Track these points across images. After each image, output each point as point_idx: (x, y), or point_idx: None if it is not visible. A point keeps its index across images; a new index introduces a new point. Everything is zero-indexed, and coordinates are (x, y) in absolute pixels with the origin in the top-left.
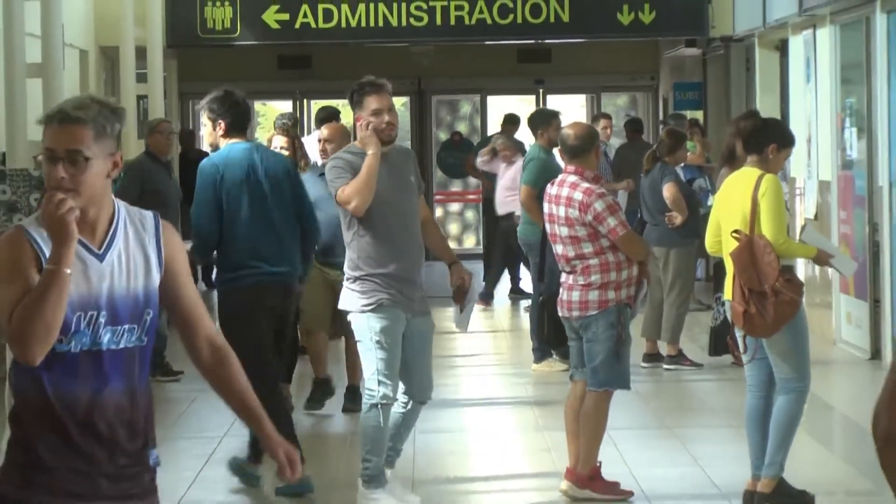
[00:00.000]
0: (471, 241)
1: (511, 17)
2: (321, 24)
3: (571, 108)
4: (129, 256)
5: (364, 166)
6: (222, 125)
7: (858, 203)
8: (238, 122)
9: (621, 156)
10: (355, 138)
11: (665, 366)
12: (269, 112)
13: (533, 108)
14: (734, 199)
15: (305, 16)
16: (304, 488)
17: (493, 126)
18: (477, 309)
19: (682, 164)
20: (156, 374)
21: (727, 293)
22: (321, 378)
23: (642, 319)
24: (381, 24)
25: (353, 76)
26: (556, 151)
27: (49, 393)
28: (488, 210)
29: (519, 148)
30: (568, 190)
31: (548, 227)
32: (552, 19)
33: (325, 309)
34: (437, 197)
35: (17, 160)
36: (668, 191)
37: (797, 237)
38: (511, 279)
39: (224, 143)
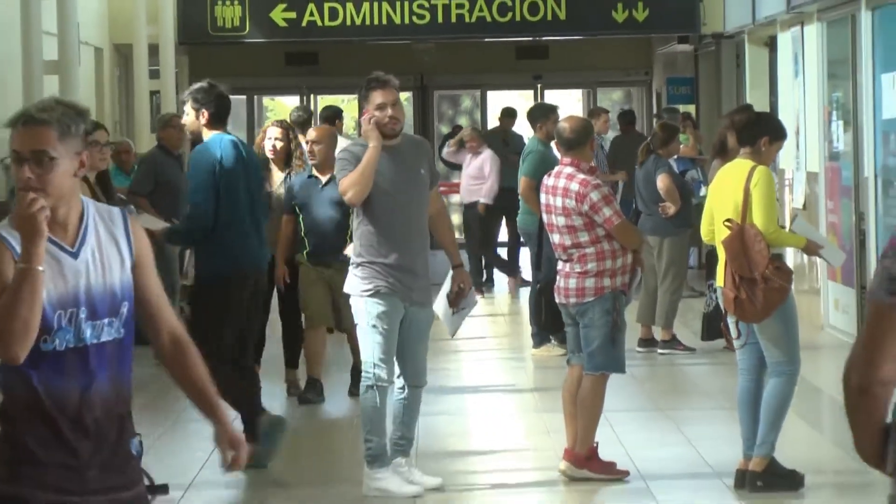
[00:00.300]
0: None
1: (510, 15)
2: (327, 22)
3: (568, 103)
4: (103, 252)
5: (363, 159)
6: (205, 115)
7: (845, 193)
8: (221, 113)
9: (616, 147)
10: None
11: (659, 350)
12: (278, 107)
13: (531, 103)
14: (727, 190)
15: (312, 14)
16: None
17: (493, 119)
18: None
19: (676, 157)
20: None
21: (719, 280)
22: (314, 378)
23: (637, 306)
24: (384, 21)
25: (357, 72)
26: (553, 144)
27: (39, 391)
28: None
29: (486, 139)
30: (565, 181)
31: (545, 217)
32: (549, 17)
33: (326, 305)
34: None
35: None
36: (661, 182)
37: (787, 227)
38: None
39: (207, 133)
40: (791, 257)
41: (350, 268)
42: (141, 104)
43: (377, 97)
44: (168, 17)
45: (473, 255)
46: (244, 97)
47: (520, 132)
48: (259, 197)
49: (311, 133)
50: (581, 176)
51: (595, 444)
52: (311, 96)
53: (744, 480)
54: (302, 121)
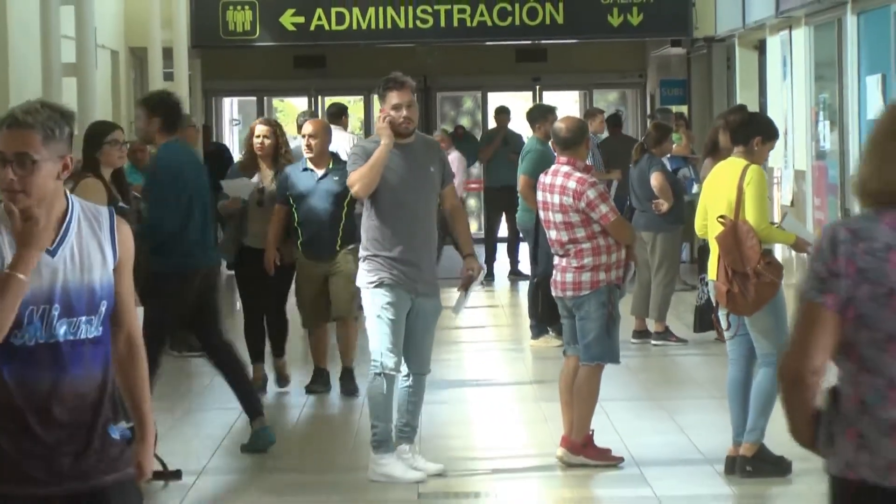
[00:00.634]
0: (473, 227)
1: (510, 19)
2: (334, 27)
3: (566, 104)
4: (83, 250)
5: (374, 155)
6: (158, 122)
7: (831, 191)
8: (173, 120)
9: (604, 148)
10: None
11: (653, 342)
12: (287, 108)
13: (530, 104)
14: (721, 187)
15: (320, 18)
16: (263, 444)
17: (493, 120)
18: (477, 290)
19: (669, 155)
20: (182, 351)
21: (711, 274)
22: (320, 367)
23: (631, 299)
24: (389, 26)
25: (363, 74)
26: (550, 143)
27: (10, 385)
28: (488, 198)
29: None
30: (562, 179)
31: (541, 213)
32: (548, 21)
33: (321, 302)
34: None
35: None
36: (655, 180)
37: (777, 224)
38: (510, 262)
39: (159, 140)
40: (779, 253)
41: (360, 261)
42: None
43: (393, 97)
44: (181, 21)
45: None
46: (254, 98)
47: (518, 132)
48: (207, 199)
49: (308, 127)
50: (578, 174)
51: (591, 432)
52: (319, 98)
53: (734, 466)
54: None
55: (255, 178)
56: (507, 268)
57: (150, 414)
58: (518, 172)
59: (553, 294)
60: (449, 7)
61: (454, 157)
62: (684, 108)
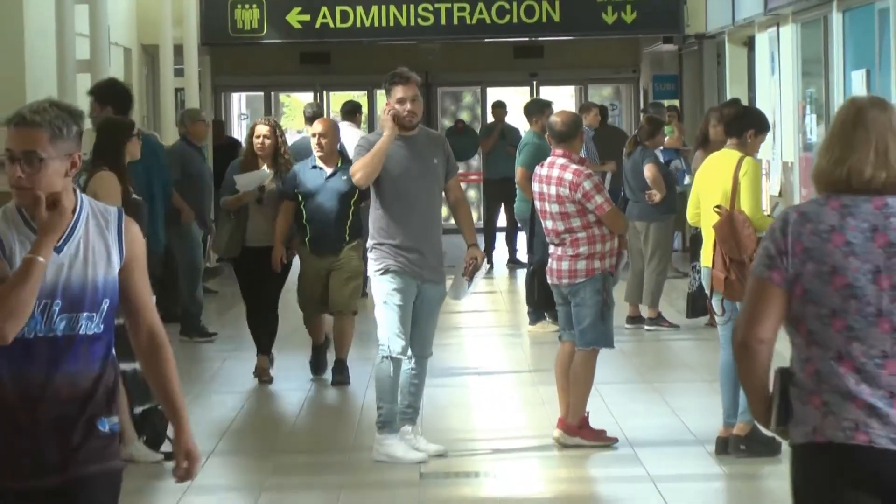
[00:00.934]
0: (473, 217)
1: (508, 17)
2: (339, 24)
3: (562, 99)
4: (89, 248)
5: (375, 145)
6: (110, 110)
7: None
8: (126, 108)
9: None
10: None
11: (646, 327)
12: (293, 103)
13: (527, 99)
14: (715, 177)
15: (325, 17)
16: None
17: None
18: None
19: (661, 148)
20: (193, 336)
21: (707, 261)
22: (319, 343)
23: (625, 286)
24: (392, 23)
25: (367, 70)
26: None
27: (4, 377)
28: (487, 189)
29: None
30: (558, 171)
31: (537, 204)
32: (544, 19)
33: (321, 299)
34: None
35: None
36: (648, 171)
37: (768, 213)
38: (509, 250)
39: None
40: None
41: (367, 251)
42: (166, 100)
43: (398, 92)
44: (192, 19)
45: None
46: (262, 94)
47: (516, 126)
48: (162, 186)
49: (318, 126)
50: (574, 166)
51: (586, 414)
52: (324, 93)
53: (724, 447)
54: (314, 114)
55: (265, 169)
56: (506, 256)
57: (181, 404)
58: (516, 164)
59: (549, 281)
60: (449, 5)
61: None
62: (676, 103)
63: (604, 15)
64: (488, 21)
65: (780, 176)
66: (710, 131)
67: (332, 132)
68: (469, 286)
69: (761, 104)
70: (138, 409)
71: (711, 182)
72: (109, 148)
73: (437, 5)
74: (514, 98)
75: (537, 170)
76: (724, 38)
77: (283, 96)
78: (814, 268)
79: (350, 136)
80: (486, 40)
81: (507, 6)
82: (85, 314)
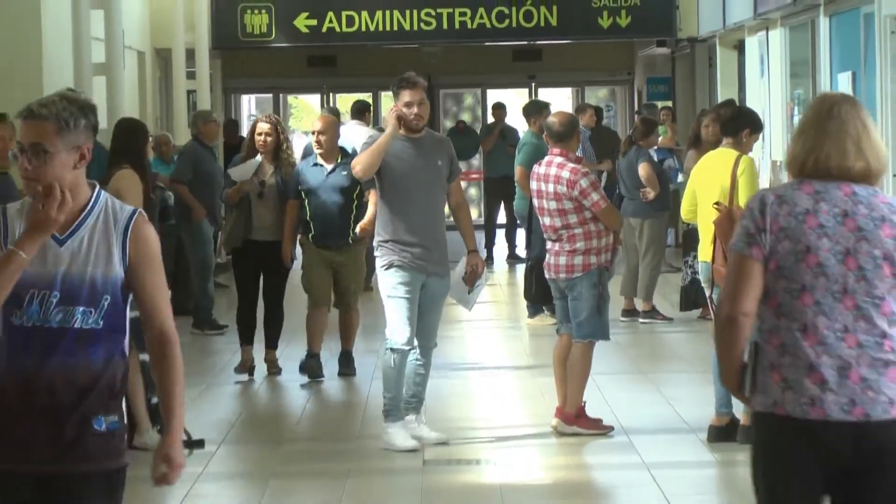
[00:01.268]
0: (473, 214)
1: (507, 21)
2: (345, 29)
3: (559, 100)
4: (93, 244)
5: (377, 141)
6: None
7: None
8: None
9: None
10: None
11: (640, 320)
12: (301, 104)
13: (526, 100)
14: (713, 175)
15: (331, 21)
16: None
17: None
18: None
19: (655, 147)
20: (204, 329)
21: (705, 256)
22: (314, 353)
23: (620, 280)
24: (395, 28)
25: (372, 73)
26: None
27: (3, 363)
28: (488, 187)
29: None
30: (556, 169)
31: (535, 201)
32: (542, 24)
33: (327, 286)
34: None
35: None
36: (642, 170)
37: None
38: (508, 246)
39: None
40: None
41: (374, 252)
42: (179, 102)
43: (406, 95)
44: (203, 24)
45: None
46: (271, 95)
47: (515, 126)
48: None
49: (317, 124)
50: (570, 165)
51: (583, 404)
52: (331, 95)
53: (716, 435)
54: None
55: (258, 157)
56: (506, 252)
57: (177, 408)
58: (515, 163)
59: (546, 276)
60: (451, 10)
61: None
62: (669, 104)
63: (599, 19)
64: (488, 25)
65: (770, 174)
66: (702, 132)
67: (330, 130)
68: (473, 295)
69: (751, 105)
70: (155, 399)
71: (709, 180)
72: (129, 147)
73: (439, 10)
74: (514, 99)
75: (536, 168)
76: (715, 41)
77: (290, 98)
78: (789, 246)
79: (359, 134)
80: (487, 44)
81: (507, 11)
82: (81, 308)
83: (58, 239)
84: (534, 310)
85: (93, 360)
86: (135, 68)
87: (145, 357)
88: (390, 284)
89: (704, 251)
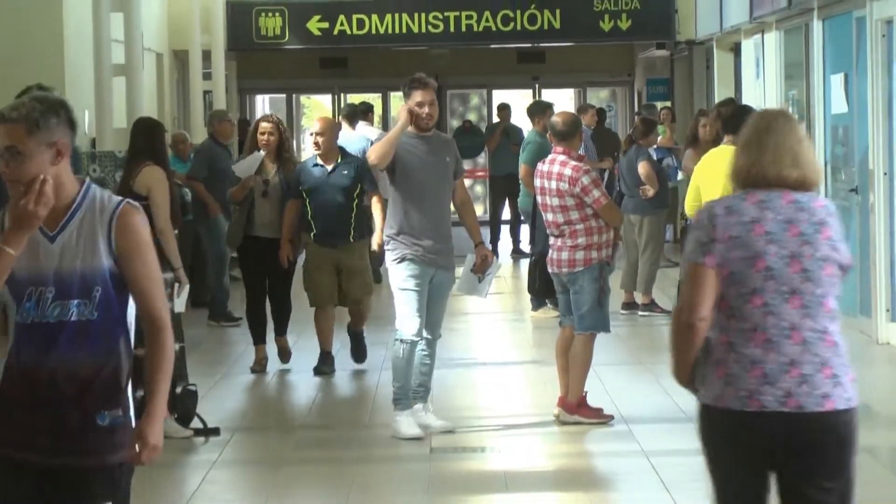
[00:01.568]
0: (479, 210)
1: (512, 24)
2: (355, 31)
3: (562, 100)
4: (81, 239)
5: (390, 132)
6: None
7: None
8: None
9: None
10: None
11: (640, 313)
12: (313, 104)
13: (530, 101)
14: (715, 172)
15: (342, 24)
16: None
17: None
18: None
19: (654, 146)
20: (220, 321)
21: None
22: (326, 351)
23: (620, 274)
24: (404, 31)
25: (381, 74)
26: (548, 135)
27: (13, 356)
28: (493, 185)
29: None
30: (559, 167)
31: (539, 198)
32: (546, 27)
33: (332, 286)
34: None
35: (105, 144)
36: (642, 168)
37: None
38: (513, 242)
39: None
40: None
41: (384, 246)
42: (195, 102)
43: (417, 95)
44: (219, 26)
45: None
46: (284, 96)
47: (519, 125)
48: None
49: (316, 125)
50: (573, 163)
51: (584, 393)
52: (342, 95)
53: None
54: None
55: (261, 152)
56: (510, 247)
57: (159, 393)
58: (519, 161)
59: (549, 271)
60: (457, 14)
61: None
62: (668, 104)
63: (601, 23)
64: (494, 28)
65: None
66: (700, 131)
67: (329, 131)
68: (484, 283)
69: None
70: (179, 389)
71: (712, 176)
72: (149, 145)
73: (446, 14)
74: (518, 100)
75: (539, 166)
76: (712, 44)
77: (303, 98)
78: (740, 253)
79: (364, 131)
80: (492, 46)
81: (512, 14)
82: (76, 301)
83: (49, 236)
84: (537, 303)
85: (93, 353)
86: (153, 69)
87: (176, 347)
88: (402, 277)
89: None
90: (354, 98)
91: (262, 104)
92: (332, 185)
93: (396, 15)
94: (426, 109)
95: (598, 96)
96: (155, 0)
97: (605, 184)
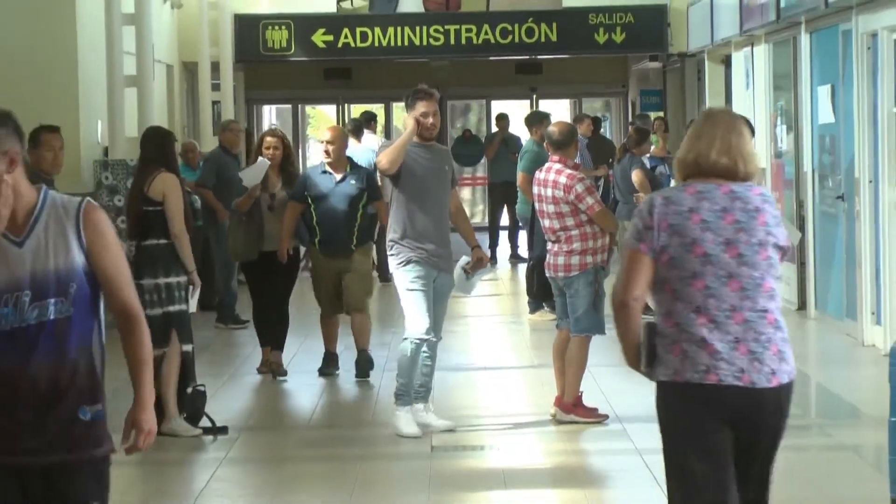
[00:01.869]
0: (478, 217)
1: (510, 37)
2: (359, 44)
3: (559, 110)
4: (49, 239)
5: (399, 139)
6: None
7: (787, 185)
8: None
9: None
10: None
11: None
12: (318, 114)
13: (528, 111)
14: None
15: (346, 37)
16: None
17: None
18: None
19: (648, 155)
20: (228, 324)
21: None
22: (331, 352)
23: (615, 278)
24: (406, 43)
25: (384, 85)
26: (545, 144)
27: None
28: (492, 192)
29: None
30: (554, 175)
31: (536, 205)
32: (543, 39)
33: (333, 297)
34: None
35: (117, 153)
36: (635, 176)
37: None
38: (511, 247)
39: None
40: None
41: (388, 251)
42: (204, 112)
43: (421, 106)
44: (227, 39)
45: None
46: (290, 106)
47: (517, 135)
48: None
49: (326, 134)
50: (568, 171)
51: (580, 394)
52: (346, 105)
53: None
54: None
55: (266, 161)
56: (509, 252)
57: (144, 379)
58: (517, 169)
59: (547, 275)
60: (458, 27)
61: None
62: (661, 115)
63: (596, 36)
64: (493, 41)
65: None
66: None
67: (339, 140)
68: (472, 282)
69: None
70: (189, 389)
71: None
72: (160, 153)
73: (447, 27)
74: (516, 110)
75: (536, 174)
76: (703, 56)
77: (308, 108)
78: (678, 240)
79: (367, 140)
80: (491, 58)
81: (510, 27)
82: (53, 300)
83: (16, 242)
84: (534, 306)
85: (72, 350)
86: (164, 80)
87: (188, 348)
88: (408, 279)
89: None
90: (358, 108)
91: (269, 114)
92: (340, 194)
93: (399, 28)
94: (430, 120)
95: (594, 106)
96: (165, 14)
97: (601, 191)
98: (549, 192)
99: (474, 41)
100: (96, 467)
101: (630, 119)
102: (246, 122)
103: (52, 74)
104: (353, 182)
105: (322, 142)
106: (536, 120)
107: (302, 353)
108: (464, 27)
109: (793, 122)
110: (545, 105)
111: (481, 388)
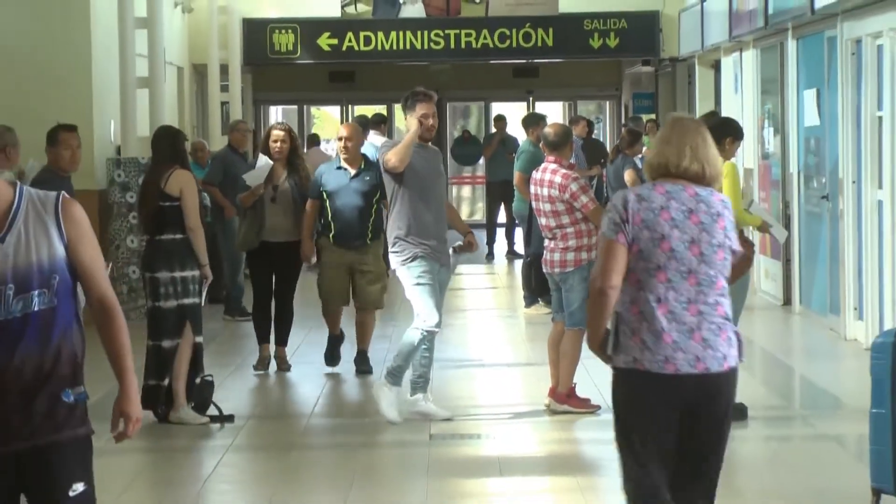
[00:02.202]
0: (477, 214)
1: (508, 42)
2: (363, 48)
3: (554, 112)
4: (30, 234)
5: (405, 138)
6: None
7: (774, 186)
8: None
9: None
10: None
11: None
12: (323, 115)
13: (525, 113)
14: None
15: (350, 41)
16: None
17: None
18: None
19: (640, 156)
20: (234, 316)
21: None
22: (336, 334)
23: None
24: (408, 47)
25: (387, 88)
26: (541, 145)
27: None
28: (489, 190)
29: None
30: (549, 175)
31: (533, 203)
32: (540, 44)
33: (343, 288)
34: (452, 181)
35: (130, 151)
36: (627, 176)
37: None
38: (507, 243)
39: None
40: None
41: (390, 247)
42: (213, 112)
43: (421, 108)
44: (235, 42)
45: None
46: (296, 107)
47: (514, 136)
48: None
49: (343, 130)
50: (563, 171)
51: (574, 385)
52: (349, 106)
53: None
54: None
55: (268, 160)
56: (505, 248)
57: (127, 368)
58: (514, 169)
59: (543, 270)
60: (457, 32)
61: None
62: (653, 117)
63: (591, 41)
64: (491, 45)
65: (742, 180)
66: None
67: (356, 137)
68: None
69: None
70: (198, 379)
71: None
72: (172, 152)
73: (447, 31)
74: (513, 112)
75: (533, 174)
76: (694, 61)
77: (314, 109)
78: (648, 234)
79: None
80: (490, 62)
81: (508, 32)
82: (36, 292)
83: None
84: (530, 300)
85: (52, 337)
86: (174, 82)
87: (199, 339)
88: (416, 274)
89: None
90: (361, 109)
91: (276, 115)
92: (354, 189)
93: (401, 32)
94: (430, 121)
95: (588, 109)
96: (177, 18)
97: (595, 190)
98: (546, 191)
99: (473, 45)
100: (80, 447)
101: (623, 121)
102: (253, 123)
103: (67, 76)
104: (367, 178)
105: (339, 138)
106: (533, 121)
107: (306, 345)
108: (463, 32)
109: (779, 125)
110: (541, 107)
111: (478, 380)
